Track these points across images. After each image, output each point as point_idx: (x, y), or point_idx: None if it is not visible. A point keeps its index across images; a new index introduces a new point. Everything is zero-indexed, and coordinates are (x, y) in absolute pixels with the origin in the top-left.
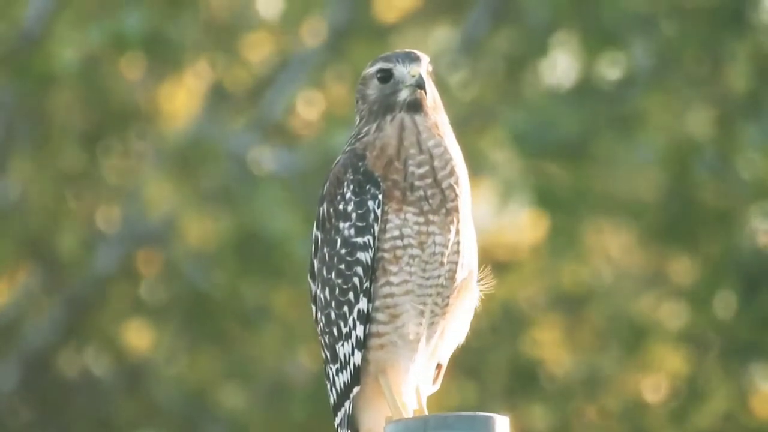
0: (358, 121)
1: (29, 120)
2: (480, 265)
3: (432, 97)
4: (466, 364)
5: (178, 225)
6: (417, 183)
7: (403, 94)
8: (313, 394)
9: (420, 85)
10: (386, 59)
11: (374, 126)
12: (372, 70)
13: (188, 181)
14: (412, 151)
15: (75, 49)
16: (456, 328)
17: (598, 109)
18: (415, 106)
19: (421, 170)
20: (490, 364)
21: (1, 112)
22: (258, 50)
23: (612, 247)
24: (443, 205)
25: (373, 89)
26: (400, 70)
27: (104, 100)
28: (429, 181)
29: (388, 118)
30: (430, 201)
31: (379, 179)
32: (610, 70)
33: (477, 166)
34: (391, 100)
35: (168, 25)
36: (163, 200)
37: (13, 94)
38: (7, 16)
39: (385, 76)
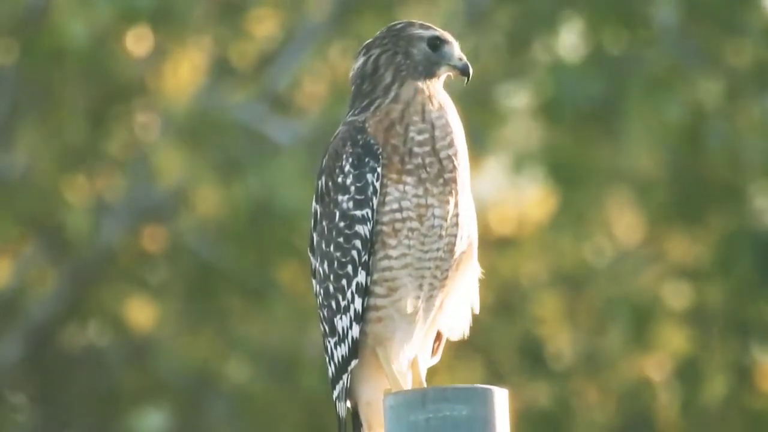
0: (391, 72)
1: (35, 93)
2: (482, 241)
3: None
4: (471, 341)
5: (188, 196)
6: (416, 149)
7: (443, 70)
8: (324, 366)
9: (466, 71)
10: (438, 32)
11: (419, 83)
12: (426, 33)
13: (197, 152)
14: (415, 118)
15: (83, 23)
16: (456, 301)
17: (611, 81)
18: (439, 82)
19: (421, 137)
20: (495, 342)
21: (8, 86)
22: (263, 25)
23: (619, 225)
24: (441, 174)
25: (419, 51)
26: (452, 48)
27: (110, 73)
28: (427, 148)
29: (420, 83)
30: (428, 169)
31: (378, 150)
32: (617, 44)
33: (482, 140)
34: (432, 70)
35: None
36: (173, 170)
37: (19, 67)
38: None
39: (437, 45)
